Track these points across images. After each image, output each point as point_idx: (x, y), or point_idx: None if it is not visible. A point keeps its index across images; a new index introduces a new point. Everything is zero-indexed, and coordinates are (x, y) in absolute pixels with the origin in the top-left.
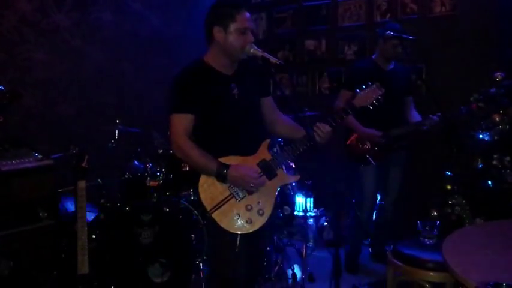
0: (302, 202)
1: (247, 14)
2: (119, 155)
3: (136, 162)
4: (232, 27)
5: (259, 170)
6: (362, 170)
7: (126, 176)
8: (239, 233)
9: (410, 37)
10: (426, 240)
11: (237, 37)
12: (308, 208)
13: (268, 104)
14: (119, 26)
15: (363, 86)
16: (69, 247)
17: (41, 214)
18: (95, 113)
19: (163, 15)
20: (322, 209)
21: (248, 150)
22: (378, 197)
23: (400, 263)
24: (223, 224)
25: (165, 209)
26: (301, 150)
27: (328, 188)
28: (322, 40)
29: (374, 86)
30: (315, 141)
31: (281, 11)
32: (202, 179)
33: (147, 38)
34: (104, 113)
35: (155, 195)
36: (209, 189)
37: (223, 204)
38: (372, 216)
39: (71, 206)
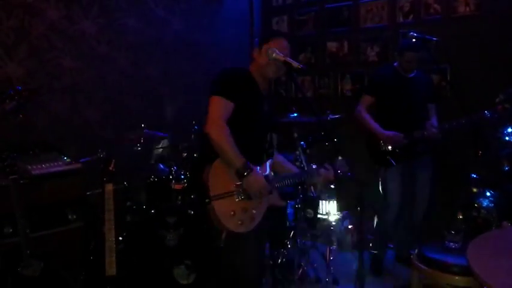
0: (326, 205)
1: (283, 41)
2: (145, 158)
3: (161, 166)
4: (265, 47)
5: None
6: (385, 172)
7: (152, 179)
8: (228, 228)
9: (434, 38)
10: (451, 244)
11: (266, 56)
12: (332, 211)
13: None
14: (143, 31)
15: (326, 166)
16: (97, 249)
17: (70, 216)
18: (120, 117)
19: (186, 21)
20: (346, 211)
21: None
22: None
23: (424, 267)
24: (220, 213)
25: (189, 211)
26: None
27: (353, 191)
28: (344, 42)
29: (331, 168)
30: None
31: (302, 13)
32: (217, 163)
33: (171, 44)
34: (130, 117)
35: (180, 197)
36: (221, 177)
37: (225, 197)
38: (397, 219)
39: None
